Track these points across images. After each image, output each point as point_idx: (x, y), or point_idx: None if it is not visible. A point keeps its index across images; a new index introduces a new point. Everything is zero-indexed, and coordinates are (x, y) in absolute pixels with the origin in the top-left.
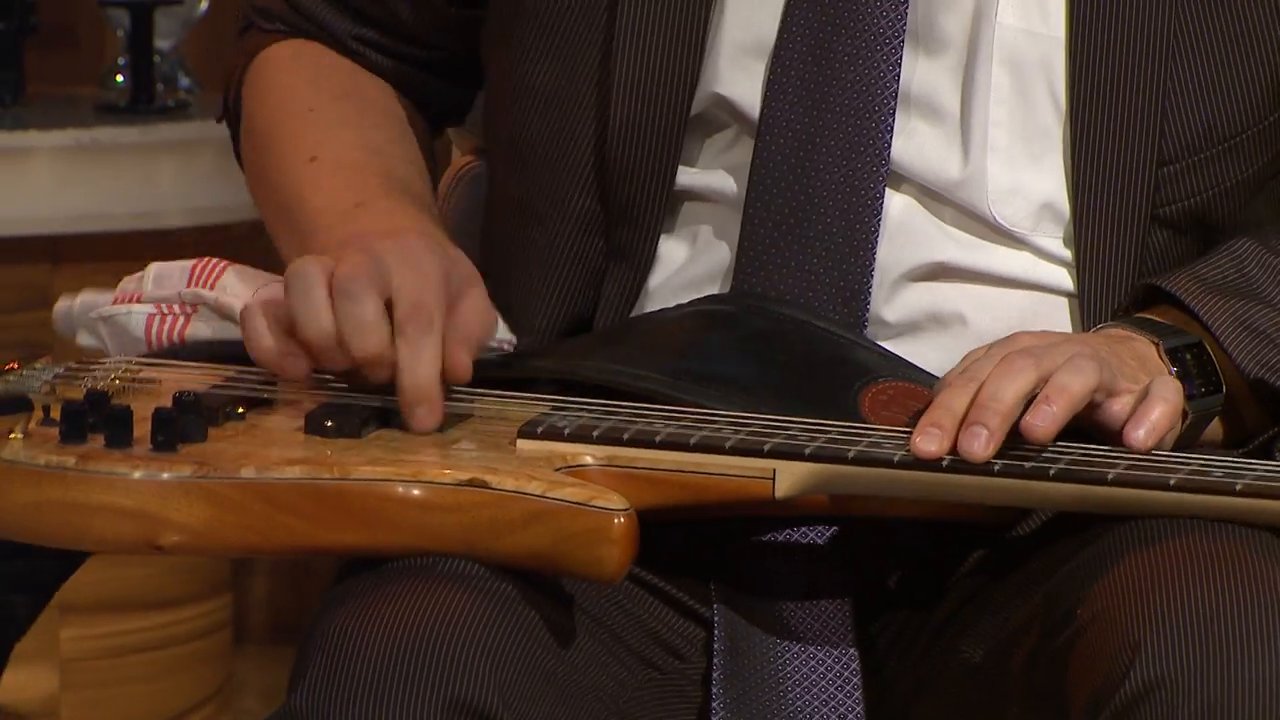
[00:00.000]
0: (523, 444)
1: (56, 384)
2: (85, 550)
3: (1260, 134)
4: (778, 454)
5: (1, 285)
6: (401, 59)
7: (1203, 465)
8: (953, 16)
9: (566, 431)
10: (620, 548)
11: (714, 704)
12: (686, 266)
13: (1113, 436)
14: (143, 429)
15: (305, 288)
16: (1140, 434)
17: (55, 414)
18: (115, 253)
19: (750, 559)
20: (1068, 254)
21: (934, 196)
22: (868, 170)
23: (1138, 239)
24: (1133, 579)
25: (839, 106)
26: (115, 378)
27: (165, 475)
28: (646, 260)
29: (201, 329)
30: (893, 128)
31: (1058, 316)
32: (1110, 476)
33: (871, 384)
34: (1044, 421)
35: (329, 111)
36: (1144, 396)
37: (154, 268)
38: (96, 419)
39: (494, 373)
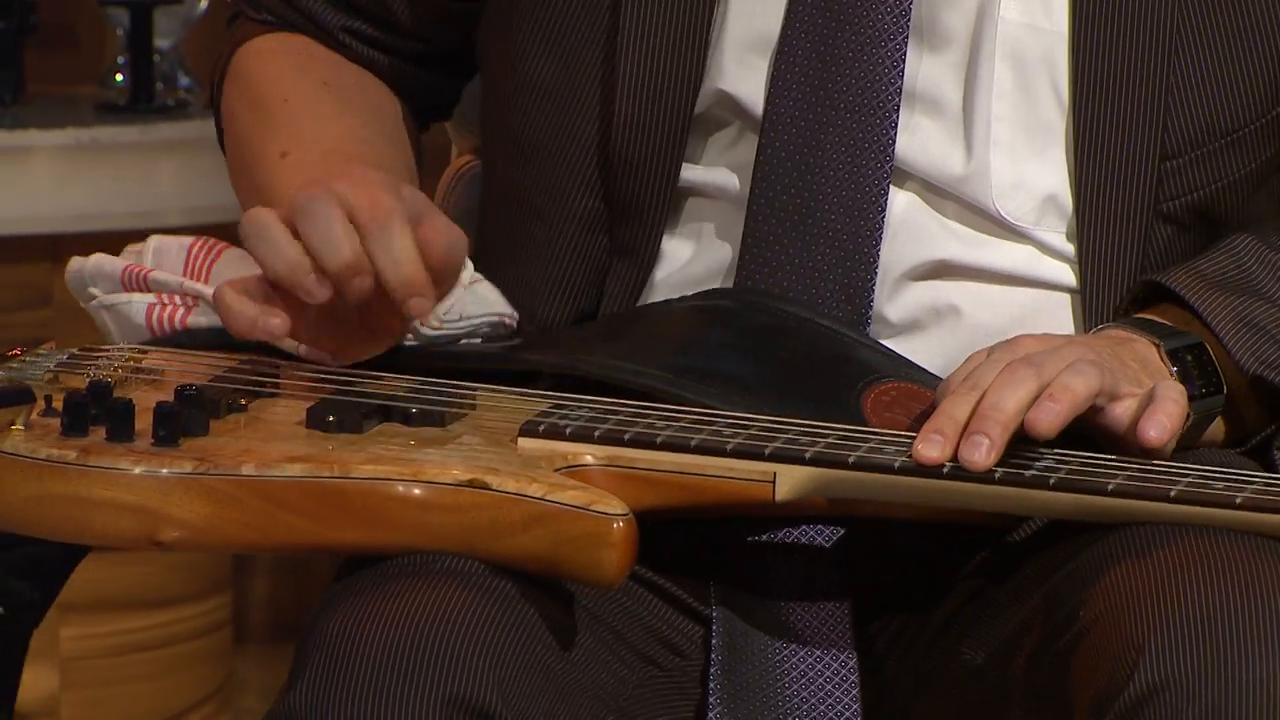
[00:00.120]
0: (524, 442)
1: (60, 372)
2: (85, 544)
3: (1263, 128)
4: (778, 457)
5: (1, 284)
6: (392, 52)
7: (1203, 477)
8: (956, 12)
9: (568, 431)
10: (619, 552)
11: (711, 699)
12: (690, 263)
13: (1117, 440)
14: (145, 421)
15: (260, 229)
16: (1153, 433)
17: (57, 404)
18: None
19: (750, 558)
20: (1070, 249)
21: (937, 193)
22: (872, 167)
23: (1140, 233)
24: (1136, 581)
25: (843, 103)
26: (118, 366)
27: (166, 471)
28: (650, 257)
29: (202, 321)
30: (897, 124)
31: (1060, 313)
32: (1110, 487)
33: (874, 384)
34: (1048, 416)
35: (306, 104)
36: (1151, 398)
37: (154, 241)
38: (99, 411)
39: (495, 365)
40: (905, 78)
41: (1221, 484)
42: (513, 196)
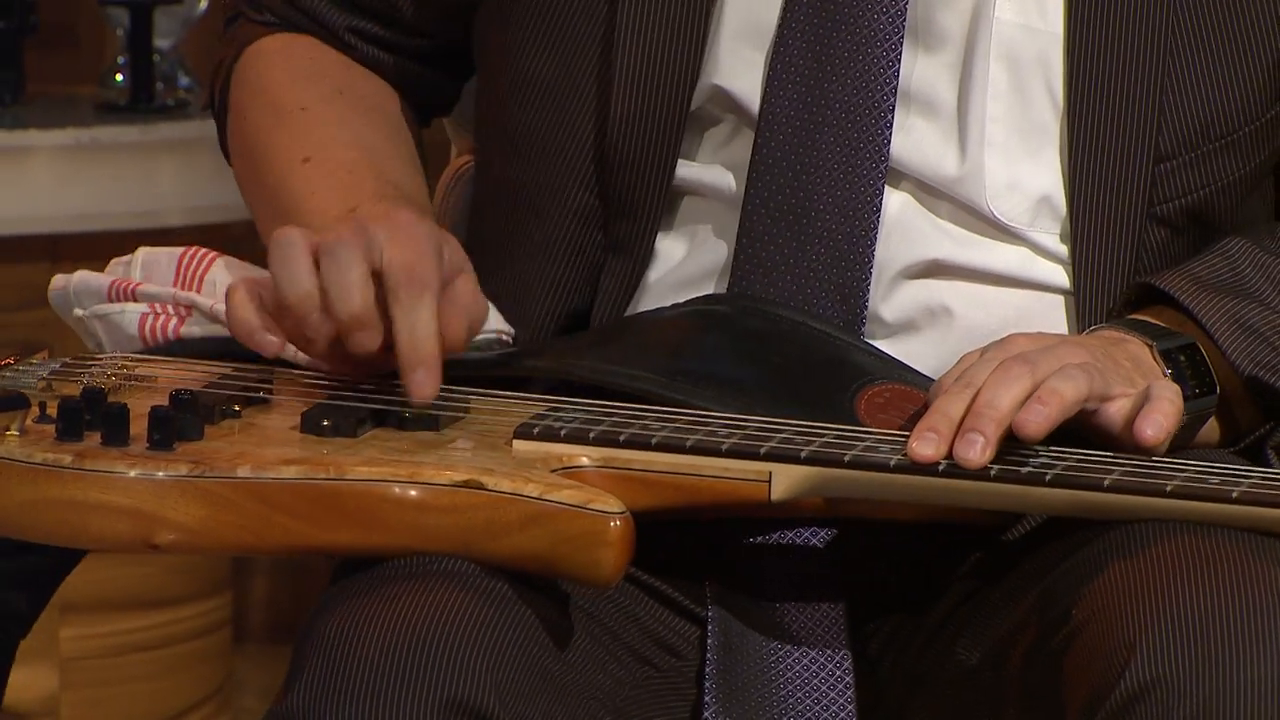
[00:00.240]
0: (519, 444)
1: (53, 380)
2: (82, 548)
3: (1257, 130)
4: (774, 457)
5: (1, 284)
6: (397, 51)
7: (1199, 472)
8: (951, 12)
9: (563, 433)
10: (616, 551)
11: (706, 699)
12: (684, 262)
13: (1111, 439)
14: (139, 426)
15: (286, 251)
16: (1150, 431)
17: (52, 410)
18: (115, 252)
19: (745, 559)
20: (1064, 250)
21: (931, 193)
22: (867, 167)
23: (1134, 235)
24: (1128, 579)
25: (838, 103)
26: (112, 374)
27: (161, 474)
28: (645, 254)
29: (195, 331)
30: (892, 125)
31: (1053, 315)
32: (1106, 483)
33: (867, 386)
34: (1036, 419)
35: (322, 110)
36: (1147, 397)
37: (142, 253)
38: (93, 416)
39: (490, 371)
40: (900, 78)
41: (1218, 478)
42: (508, 193)
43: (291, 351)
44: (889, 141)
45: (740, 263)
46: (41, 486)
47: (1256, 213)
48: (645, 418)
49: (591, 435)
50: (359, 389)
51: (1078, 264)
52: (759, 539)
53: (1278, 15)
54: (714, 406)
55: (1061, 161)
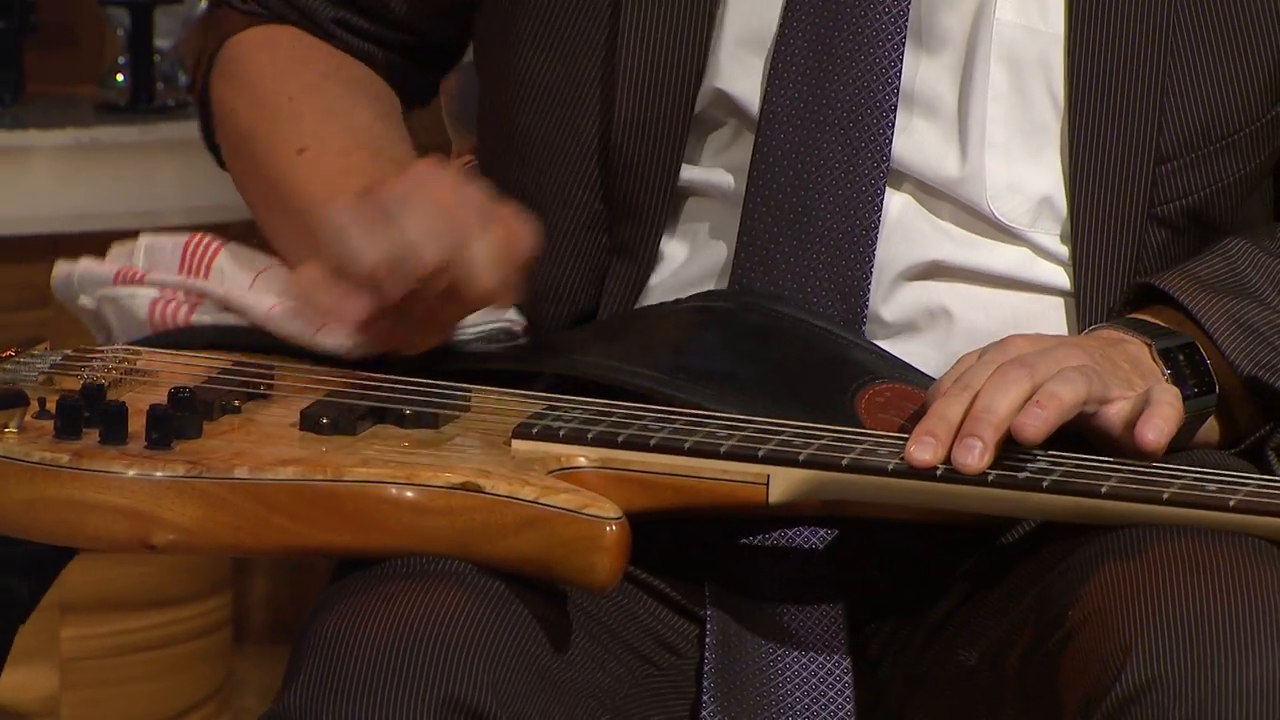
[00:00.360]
0: (518, 444)
1: (54, 373)
2: (79, 547)
3: (1258, 131)
4: (772, 459)
5: (1, 284)
6: (383, 44)
7: (1197, 479)
8: (953, 14)
9: (561, 433)
10: (612, 556)
11: (704, 698)
12: (688, 264)
13: (1110, 441)
14: (138, 423)
15: (349, 219)
16: (1151, 435)
17: (51, 406)
18: None
19: (743, 560)
20: (1064, 251)
21: (932, 194)
22: (868, 168)
23: (1135, 236)
24: (1124, 581)
25: (840, 104)
26: (112, 367)
27: (158, 474)
28: (649, 257)
29: (205, 319)
30: (894, 126)
31: (1053, 316)
32: (1104, 489)
33: (868, 385)
34: (1034, 422)
35: (311, 98)
36: (1147, 401)
37: (145, 240)
38: (92, 414)
39: (492, 366)
40: (902, 79)
41: (1215, 486)
42: (511, 197)
43: (334, 343)
44: (890, 143)
45: (741, 262)
46: (39, 486)
47: (1256, 213)
48: (644, 418)
49: (590, 436)
50: (359, 386)
51: (1078, 265)
52: (758, 539)
53: (1278, 15)
54: (715, 404)
55: (1062, 162)
